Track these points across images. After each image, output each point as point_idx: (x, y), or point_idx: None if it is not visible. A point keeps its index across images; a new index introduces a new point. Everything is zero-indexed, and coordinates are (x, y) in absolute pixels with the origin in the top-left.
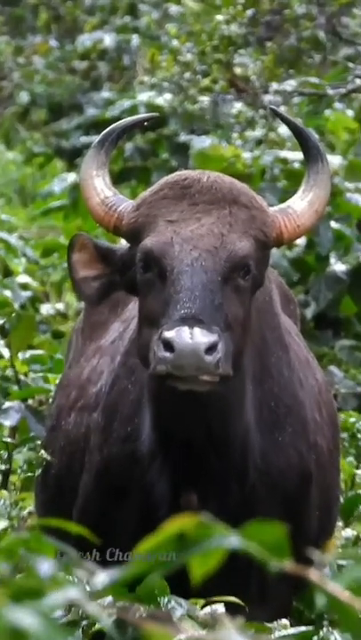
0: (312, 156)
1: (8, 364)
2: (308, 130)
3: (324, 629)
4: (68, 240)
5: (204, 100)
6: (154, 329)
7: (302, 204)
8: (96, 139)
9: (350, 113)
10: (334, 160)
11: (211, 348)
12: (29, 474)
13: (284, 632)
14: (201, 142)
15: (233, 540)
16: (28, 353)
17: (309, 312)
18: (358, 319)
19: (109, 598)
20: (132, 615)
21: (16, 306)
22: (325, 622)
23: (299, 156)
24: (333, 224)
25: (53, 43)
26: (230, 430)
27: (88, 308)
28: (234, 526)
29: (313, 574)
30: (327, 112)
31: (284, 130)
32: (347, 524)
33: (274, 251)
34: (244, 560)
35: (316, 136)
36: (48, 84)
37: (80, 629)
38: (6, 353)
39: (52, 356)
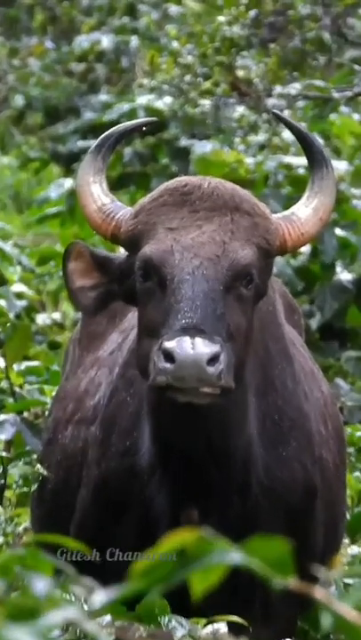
0: (317, 161)
1: (3, 375)
2: (312, 134)
3: None
4: (64, 248)
5: (206, 103)
6: (154, 339)
7: (307, 211)
8: (93, 143)
9: (357, 117)
10: (340, 166)
11: (213, 359)
12: (25, 489)
13: None
14: (202, 147)
15: (235, 555)
16: (24, 364)
17: (314, 322)
18: None
19: (108, 617)
20: (131, 635)
21: (11, 316)
22: None
23: (303, 161)
24: (339, 231)
25: (49, 44)
26: (232, 444)
27: (85, 319)
28: (236, 542)
29: (318, 592)
30: (333, 116)
31: (287, 134)
32: (353, 541)
33: (278, 259)
34: (247, 577)
35: (320, 141)
36: (44, 87)
37: None
38: (1, 364)
39: (49, 368)
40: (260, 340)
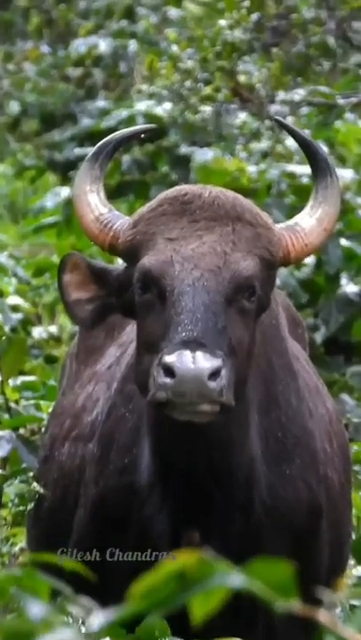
0: (321, 170)
1: None
2: (316, 142)
3: None
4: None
5: (207, 109)
6: (153, 353)
7: (310, 222)
8: (90, 151)
9: None
10: (345, 174)
11: (214, 374)
12: (21, 508)
13: None
14: (203, 155)
15: (236, 578)
16: (20, 379)
17: (319, 336)
18: None
19: None
20: None
21: (6, 329)
22: None
23: (307, 170)
24: (344, 242)
25: (45, 48)
26: (234, 462)
27: (83, 332)
28: (239, 563)
29: (323, 615)
30: (338, 123)
31: (291, 142)
32: (359, 563)
33: (281, 271)
34: (249, 600)
35: (325, 149)
36: (40, 93)
37: None
38: None
39: (45, 383)
40: (263, 354)
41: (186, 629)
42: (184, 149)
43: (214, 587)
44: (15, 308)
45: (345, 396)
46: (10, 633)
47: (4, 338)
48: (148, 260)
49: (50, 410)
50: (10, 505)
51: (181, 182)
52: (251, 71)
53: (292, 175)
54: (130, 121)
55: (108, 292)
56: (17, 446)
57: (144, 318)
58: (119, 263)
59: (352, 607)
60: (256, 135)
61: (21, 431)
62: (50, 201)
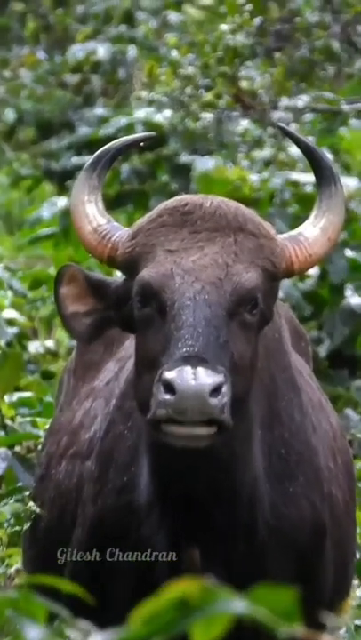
0: (325, 178)
1: None
2: (320, 150)
3: None
4: None
5: (208, 116)
6: (153, 369)
7: (314, 232)
8: (88, 160)
9: None
10: (350, 182)
11: (216, 390)
12: (17, 528)
13: None
14: (204, 163)
15: (239, 604)
16: (15, 395)
17: (323, 349)
18: None
19: None
20: None
21: (2, 343)
22: None
23: (311, 178)
24: (349, 252)
25: (42, 54)
26: (236, 480)
27: (80, 347)
28: (242, 585)
29: None
30: (342, 130)
31: (294, 150)
32: None
33: (284, 282)
34: (252, 627)
35: (329, 156)
36: (36, 100)
37: None
38: None
39: (42, 399)
40: (266, 368)
41: None
42: (184, 158)
43: (216, 613)
44: (11, 322)
45: (349, 411)
46: None
47: None
48: (147, 273)
49: (46, 427)
50: (5, 525)
51: (182, 192)
52: (253, 77)
53: (295, 184)
54: (129, 129)
55: (106, 305)
56: (13, 464)
57: (143, 333)
58: (118, 275)
59: (357, 628)
60: (258, 143)
61: (17, 449)
62: (46, 211)
